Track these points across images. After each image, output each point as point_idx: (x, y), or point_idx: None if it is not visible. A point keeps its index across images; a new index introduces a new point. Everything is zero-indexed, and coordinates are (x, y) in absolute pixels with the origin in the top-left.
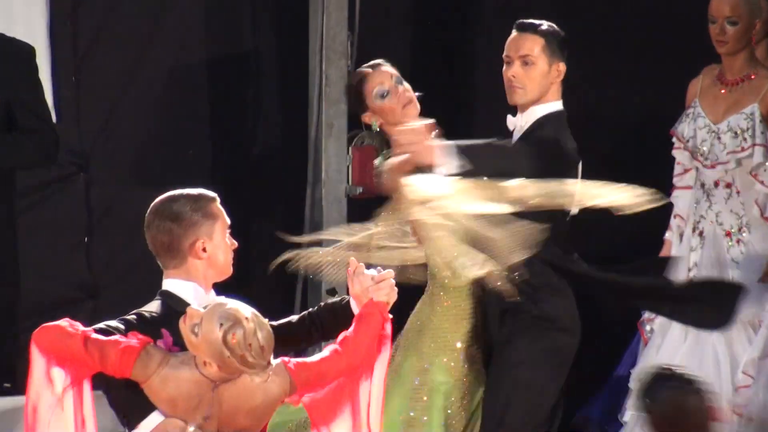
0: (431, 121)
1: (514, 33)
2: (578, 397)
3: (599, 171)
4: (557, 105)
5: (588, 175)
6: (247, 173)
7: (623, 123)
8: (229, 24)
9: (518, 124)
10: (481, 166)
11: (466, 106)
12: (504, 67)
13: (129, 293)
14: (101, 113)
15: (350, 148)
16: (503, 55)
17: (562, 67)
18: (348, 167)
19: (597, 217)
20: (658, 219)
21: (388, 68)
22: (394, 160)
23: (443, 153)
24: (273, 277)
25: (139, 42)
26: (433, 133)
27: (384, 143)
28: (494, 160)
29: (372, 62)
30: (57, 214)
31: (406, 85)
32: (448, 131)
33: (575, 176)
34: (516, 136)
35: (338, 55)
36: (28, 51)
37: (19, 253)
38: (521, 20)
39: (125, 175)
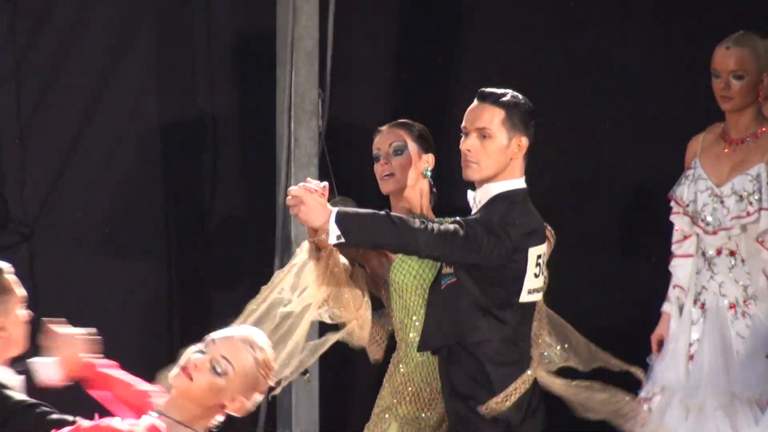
0: (324, 184)
1: (474, 102)
2: None
3: (595, 237)
4: (516, 183)
5: (584, 241)
6: (206, 244)
7: (618, 186)
8: (184, 83)
9: (476, 200)
10: (356, 238)
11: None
12: (461, 139)
13: None
14: (47, 178)
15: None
16: (461, 126)
17: (524, 141)
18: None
19: (591, 288)
20: (656, 290)
21: (397, 132)
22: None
23: (327, 219)
24: None
25: (87, 103)
26: (325, 195)
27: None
28: (376, 234)
29: (400, 120)
30: None
31: (407, 155)
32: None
33: (508, 261)
34: (473, 210)
35: (308, 114)
36: None
37: None
38: (482, 89)
39: (72, 244)
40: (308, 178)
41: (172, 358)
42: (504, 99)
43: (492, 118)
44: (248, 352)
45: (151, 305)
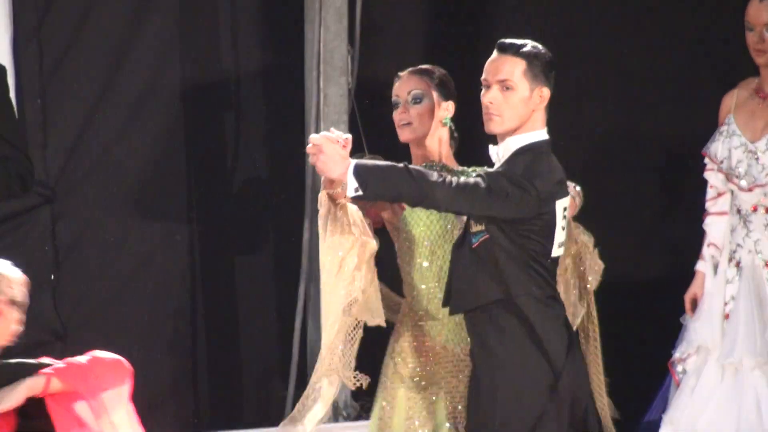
0: (348, 136)
1: (494, 54)
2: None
3: (629, 196)
4: (539, 135)
5: (618, 200)
6: (230, 206)
7: (653, 144)
8: (208, 41)
9: (498, 155)
10: (374, 191)
11: (478, 119)
12: (482, 91)
13: (100, 333)
14: (69, 139)
15: None
16: (481, 78)
17: (545, 92)
18: None
19: (625, 247)
20: (690, 249)
21: (417, 79)
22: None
23: (345, 171)
24: (269, 317)
25: (109, 64)
26: (347, 147)
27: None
28: (394, 187)
29: (421, 66)
30: (21, 250)
31: (426, 103)
32: (461, 149)
33: (537, 212)
34: (496, 165)
35: (338, 71)
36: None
37: None
38: (502, 40)
39: (94, 207)
40: (332, 129)
41: (194, 322)
42: (525, 50)
43: (513, 69)
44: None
45: (174, 268)
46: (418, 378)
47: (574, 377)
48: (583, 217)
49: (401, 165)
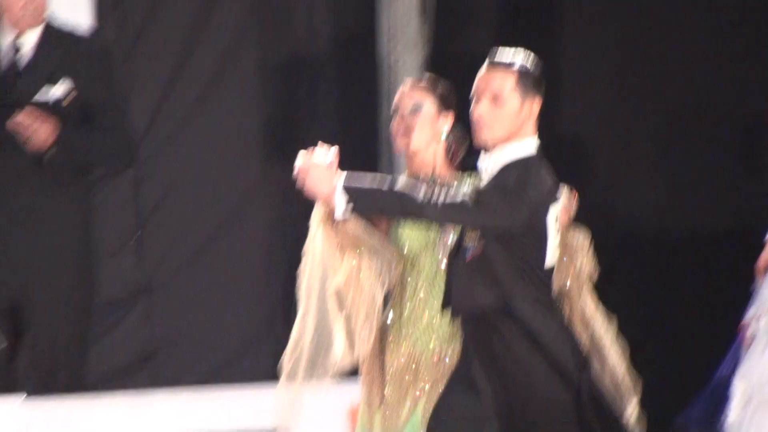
0: (334, 150)
1: (484, 67)
2: (676, 402)
3: (700, 165)
4: (528, 145)
5: (688, 170)
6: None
7: (723, 114)
8: (282, 15)
9: (485, 168)
10: (361, 212)
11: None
12: (472, 104)
13: (183, 291)
14: (150, 107)
15: None
16: (471, 92)
17: (537, 103)
18: None
19: (693, 216)
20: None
21: (420, 90)
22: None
23: (333, 192)
24: None
25: (188, 31)
26: (334, 164)
27: (461, 138)
28: (379, 206)
29: (426, 76)
30: (106, 211)
31: (421, 116)
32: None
33: (523, 224)
34: (484, 179)
35: (411, 43)
36: (105, 49)
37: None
38: (492, 55)
39: (175, 170)
40: (320, 143)
41: (271, 283)
42: (516, 63)
43: (504, 83)
44: None
45: (250, 231)
46: (396, 385)
47: (587, 381)
48: (662, 182)
49: (387, 186)
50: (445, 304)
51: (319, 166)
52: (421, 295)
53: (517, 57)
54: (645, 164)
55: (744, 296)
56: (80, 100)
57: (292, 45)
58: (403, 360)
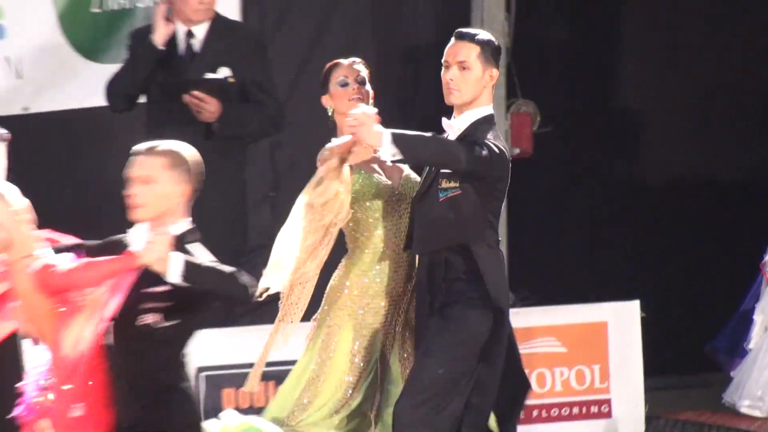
0: (375, 110)
1: (452, 41)
2: (706, 331)
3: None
4: (489, 109)
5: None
6: None
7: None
8: (393, 15)
9: (454, 126)
10: (411, 155)
11: (613, 81)
12: (442, 71)
13: None
14: (284, 87)
15: (508, 115)
16: (442, 60)
17: (495, 72)
18: (507, 131)
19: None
20: None
21: (360, 67)
22: (338, 141)
23: (383, 139)
24: None
25: (316, 24)
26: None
27: (537, 111)
28: (426, 151)
29: (351, 58)
30: (247, 171)
31: (368, 88)
32: (594, 102)
33: (507, 172)
34: (452, 137)
35: (497, 33)
36: (258, 34)
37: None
38: (459, 29)
39: (305, 137)
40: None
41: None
42: (478, 37)
43: (469, 53)
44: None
45: None
46: (363, 312)
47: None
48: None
49: (430, 134)
50: (408, 244)
51: (371, 116)
52: (379, 231)
53: (479, 33)
54: (688, 130)
55: (765, 241)
56: (240, 80)
57: (400, 35)
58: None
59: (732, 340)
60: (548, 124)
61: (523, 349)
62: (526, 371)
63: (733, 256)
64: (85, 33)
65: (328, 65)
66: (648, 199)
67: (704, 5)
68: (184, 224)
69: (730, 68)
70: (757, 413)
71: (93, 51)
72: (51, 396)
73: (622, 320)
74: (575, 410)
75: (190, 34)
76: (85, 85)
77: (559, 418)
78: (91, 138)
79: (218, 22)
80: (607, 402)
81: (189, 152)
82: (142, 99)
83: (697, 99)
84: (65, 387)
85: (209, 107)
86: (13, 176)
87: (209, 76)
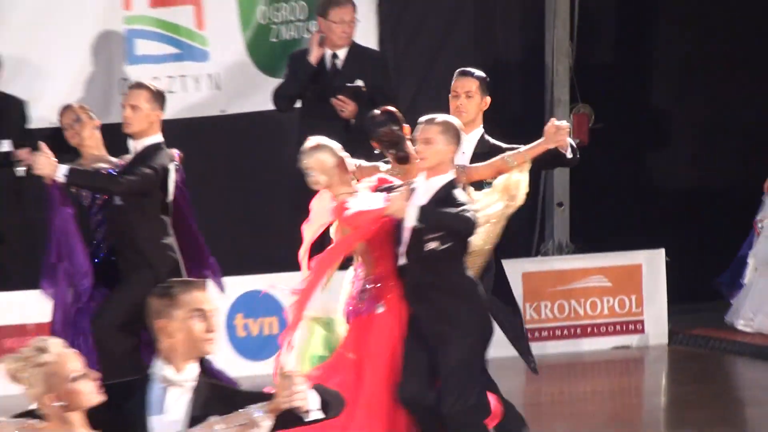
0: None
1: (457, 76)
2: (714, 271)
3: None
4: (481, 128)
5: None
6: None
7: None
8: (488, 35)
9: (466, 141)
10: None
11: (646, 90)
12: (451, 99)
13: None
14: (410, 93)
15: (571, 115)
16: (451, 91)
17: (488, 100)
18: (570, 127)
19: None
20: None
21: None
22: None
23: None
24: None
25: (431, 51)
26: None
27: (592, 112)
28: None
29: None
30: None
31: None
32: (634, 106)
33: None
34: (468, 151)
35: (564, 56)
36: (383, 57)
37: None
38: (461, 69)
39: None
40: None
41: None
42: (476, 74)
43: (472, 85)
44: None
45: None
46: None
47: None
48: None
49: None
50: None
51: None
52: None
53: (477, 71)
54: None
55: (758, 203)
56: (369, 88)
57: (495, 56)
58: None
59: (732, 277)
60: (600, 122)
61: (581, 284)
62: (582, 300)
63: (734, 214)
64: (265, 56)
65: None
66: (671, 176)
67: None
68: (450, 174)
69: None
70: (749, 330)
71: (270, 69)
72: (363, 297)
73: (652, 263)
74: (618, 327)
75: (335, 56)
76: (265, 94)
77: (606, 333)
78: (266, 131)
79: (354, 47)
80: (641, 322)
81: (457, 122)
82: (298, 104)
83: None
84: (372, 286)
85: (349, 108)
86: (214, 160)
87: (348, 84)
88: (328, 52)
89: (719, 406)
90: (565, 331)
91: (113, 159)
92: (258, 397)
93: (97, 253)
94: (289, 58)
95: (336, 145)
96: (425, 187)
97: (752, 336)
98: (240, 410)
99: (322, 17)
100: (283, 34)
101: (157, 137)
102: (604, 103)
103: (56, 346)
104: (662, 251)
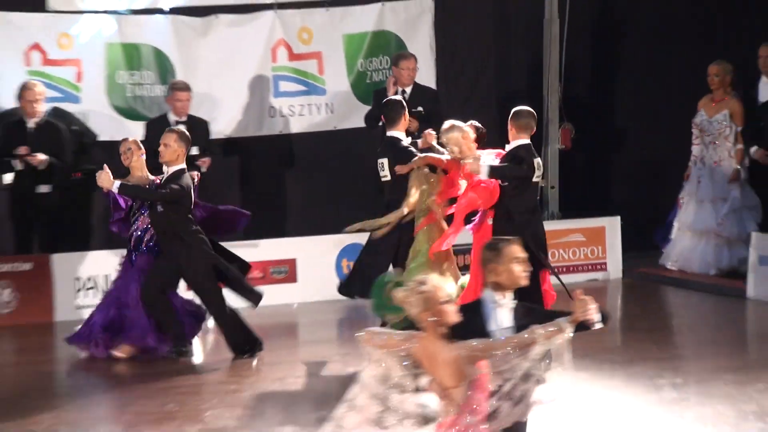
0: (420, 109)
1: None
2: (653, 230)
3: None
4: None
5: None
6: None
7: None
8: (506, 76)
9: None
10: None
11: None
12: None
13: None
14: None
15: (560, 129)
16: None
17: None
18: (558, 137)
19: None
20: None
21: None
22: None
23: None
24: None
25: (470, 82)
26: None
27: (573, 128)
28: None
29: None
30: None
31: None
32: (603, 121)
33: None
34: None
35: (555, 91)
36: (436, 94)
37: None
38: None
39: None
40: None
41: None
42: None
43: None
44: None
45: None
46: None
47: None
48: None
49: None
50: None
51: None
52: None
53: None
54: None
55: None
56: (427, 113)
57: (504, 89)
58: None
59: (664, 234)
60: (578, 133)
61: (566, 239)
62: (567, 249)
63: (665, 191)
64: (362, 91)
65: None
66: (627, 165)
67: None
68: (522, 141)
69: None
70: (674, 268)
71: (365, 100)
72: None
73: (612, 225)
74: (589, 267)
75: (403, 92)
76: (360, 116)
77: (582, 271)
78: (362, 140)
79: (416, 86)
80: (605, 263)
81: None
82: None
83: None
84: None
85: (413, 125)
86: (330, 156)
87: (413, 110)
88: (399, 89)
89: (656, 318)
90: (556, 269)
91: (151, 177)
92: (559, 314)
93: (140, 239)
94: (375, 93)
95: (463, 124)
96: (490, 158)
97: (675, 272)
98: (550, 321)
99: (395, 66)
100: (374, 77)
101: (182, 165)
102: (581, 121)
103: (432, 279)
104: (618, 218)
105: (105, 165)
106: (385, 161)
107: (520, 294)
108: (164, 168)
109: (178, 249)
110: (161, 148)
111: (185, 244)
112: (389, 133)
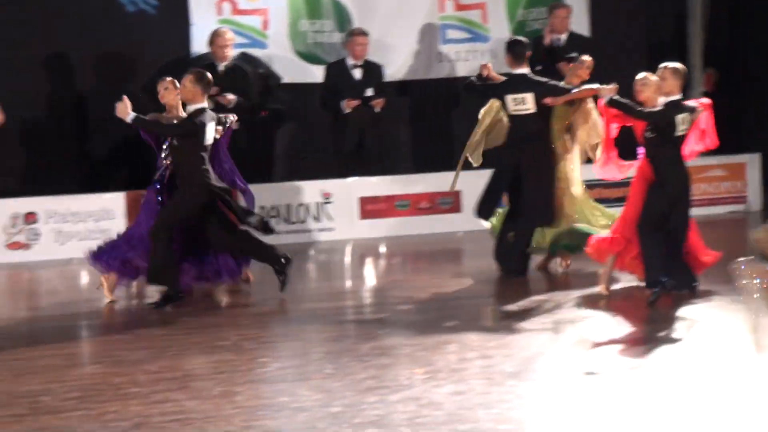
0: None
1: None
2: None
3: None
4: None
5: None
6: None
7: None
8: (658, 31)
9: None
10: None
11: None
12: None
13: None
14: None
15: (704, 74)
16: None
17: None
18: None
19: None
20: None
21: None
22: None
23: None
24: None
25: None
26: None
27: (716, 72)
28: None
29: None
30: None
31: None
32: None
33: None
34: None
35: (698, 43)
36: (590, 39)
37: None
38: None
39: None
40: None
41: None
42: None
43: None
44: None
45: None
46: None
47: None
48: None
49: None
50: None
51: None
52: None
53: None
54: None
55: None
56: (576, 57)
57: (658, 42)
58: None
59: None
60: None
61: (706, 174)
62: (710, 185)
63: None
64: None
65: None
66: None
67: None
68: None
69: None
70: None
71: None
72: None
73: (753, 162)
74: (729, 199)
75: (558, 39)
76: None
77: (722, 203)
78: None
79: (571, 34)
80: (745, 197)
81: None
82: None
83: None
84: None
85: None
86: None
87: (567, 56)
88: (555, 36)
89: None
90: (699, 203)
91: (183, 114)
92: None
93: (163, 173)
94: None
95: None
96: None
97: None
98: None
99: (551, 15)
100: (533, 26)
101: (201, 104)
102: (724, 66)
103: None
104: (758, 155)
105: (124, 96)
106: (528, 95)
107: None
108: (186, 108)
109: (181, 184)
110: (180, 88)
111: (186, 181)
112: (520, 71)
